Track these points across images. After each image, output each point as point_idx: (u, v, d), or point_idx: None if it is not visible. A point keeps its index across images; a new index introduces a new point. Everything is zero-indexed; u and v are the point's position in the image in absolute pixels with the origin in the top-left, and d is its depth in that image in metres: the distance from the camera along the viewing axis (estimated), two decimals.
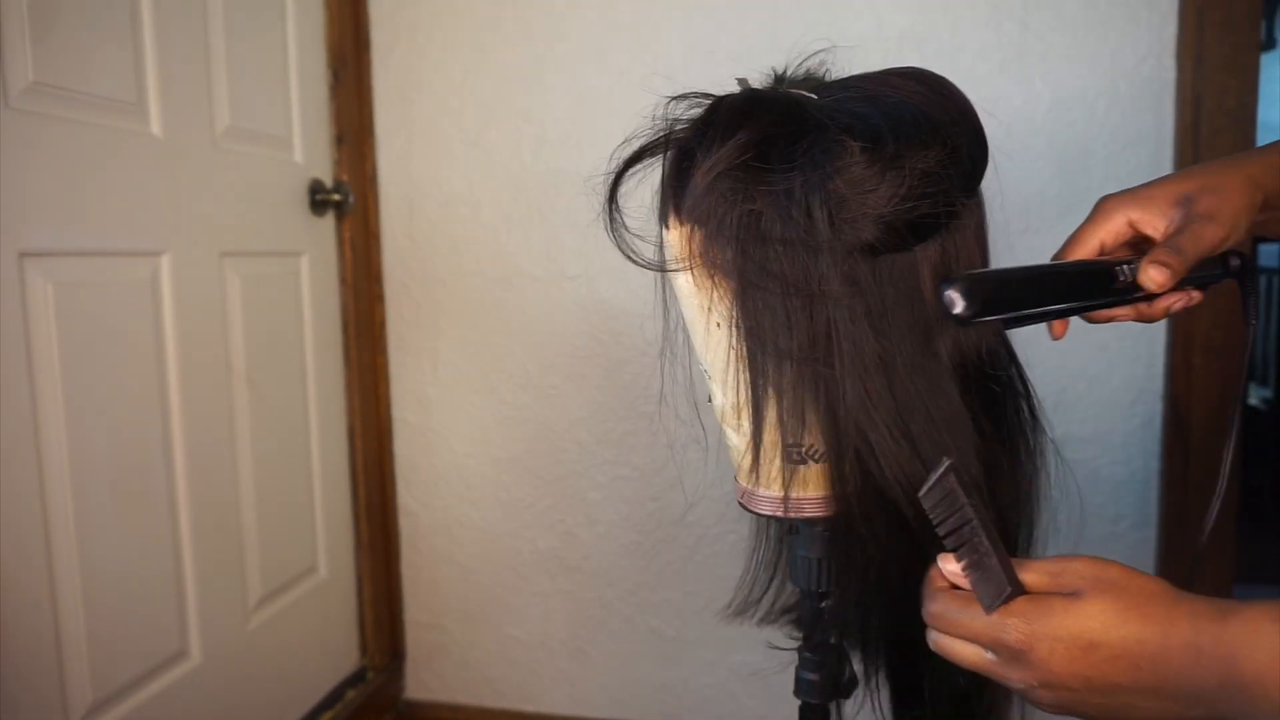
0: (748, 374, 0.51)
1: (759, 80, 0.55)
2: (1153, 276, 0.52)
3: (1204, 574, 1.28)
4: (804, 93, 0.52)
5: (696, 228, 0.50)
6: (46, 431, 0.94)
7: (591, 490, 1.47)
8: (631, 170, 0.53)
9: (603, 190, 0.53)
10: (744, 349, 0.50)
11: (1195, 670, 0.40)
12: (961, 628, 0.47)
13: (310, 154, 1.39)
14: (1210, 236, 0.54)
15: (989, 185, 0.54)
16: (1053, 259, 0.59)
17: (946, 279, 0.49)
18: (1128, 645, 0.42)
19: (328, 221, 1.44)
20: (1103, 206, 0.58)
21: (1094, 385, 1.29)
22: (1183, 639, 0.41)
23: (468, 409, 1.51)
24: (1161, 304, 0.59)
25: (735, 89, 0.53)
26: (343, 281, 1.47)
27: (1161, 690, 0.42)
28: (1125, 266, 0.54)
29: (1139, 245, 0.58)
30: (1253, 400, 2.71)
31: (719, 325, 0.52)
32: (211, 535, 1.18)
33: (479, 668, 1.57)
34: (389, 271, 1.52)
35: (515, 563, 1.53)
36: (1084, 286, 0.55)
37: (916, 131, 0.48)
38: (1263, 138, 1.22)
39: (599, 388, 1.45)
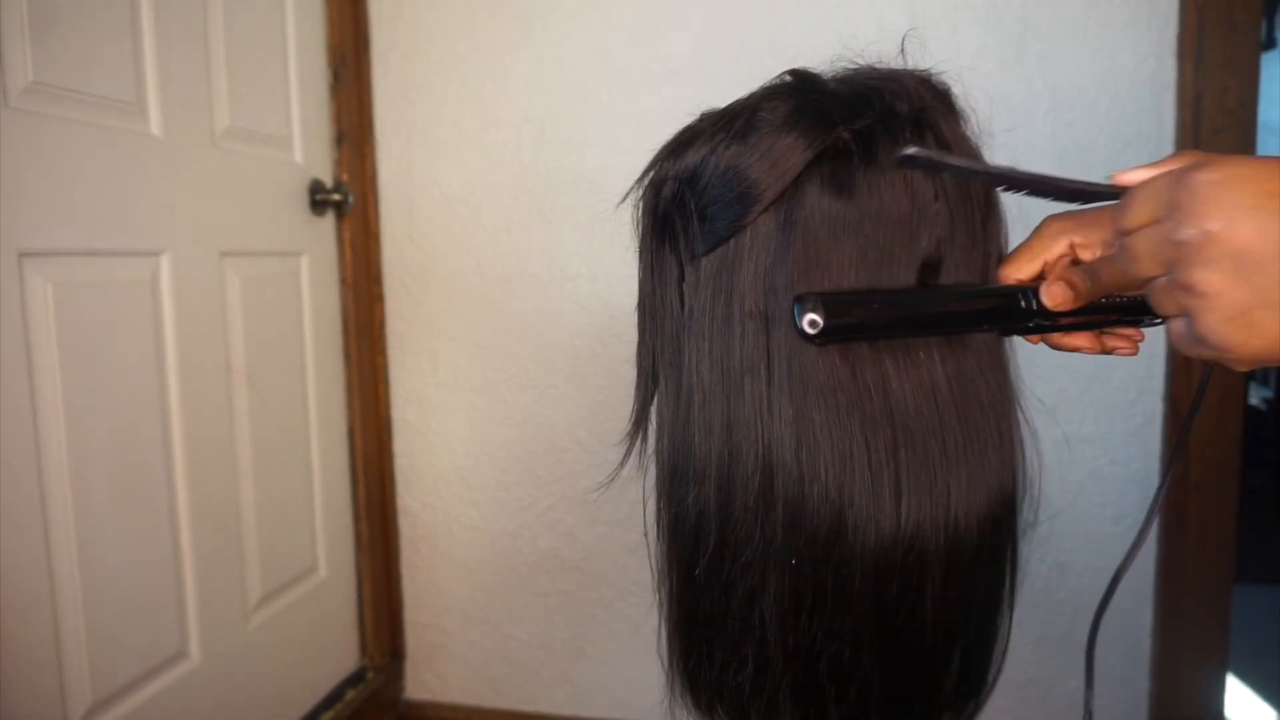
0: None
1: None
2: (1053, 294, 0.50)
3: (1204, 574, 1.28)
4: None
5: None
6: (46, 431, 0.94)
7: (592, 490, 1.47)
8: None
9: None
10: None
11: None
12: (1111, 229, 0.48)
13: (310, 154, 1.39)
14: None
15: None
16: (996, 270, 0.55)
17: (802, 295, 0.47)
18: None
19: (328, 221, 1.44)
20: (1046, 227, 0.54)
21: (1094, 385, 1.29)
22: None
23: (468, 409, 1.51)
24: (1071, 341, 0.55)
25: (728, 86, 0.54)
26: (343, 281, 1.47)
27: None
28: (1031, 291, 0.51)
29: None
30: (1253, 400, 2.71)
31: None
32: (211, 535, 1.18)
33: (479, 668, 1.57)
34: (389, 271, 1.52)
35: (515, 563, 1.52)
36: (980, 312, 0.52)
37: (725, 116, 0.49)
38: (1262, 138, 1.22)
39: (599, 388, 1.45)
